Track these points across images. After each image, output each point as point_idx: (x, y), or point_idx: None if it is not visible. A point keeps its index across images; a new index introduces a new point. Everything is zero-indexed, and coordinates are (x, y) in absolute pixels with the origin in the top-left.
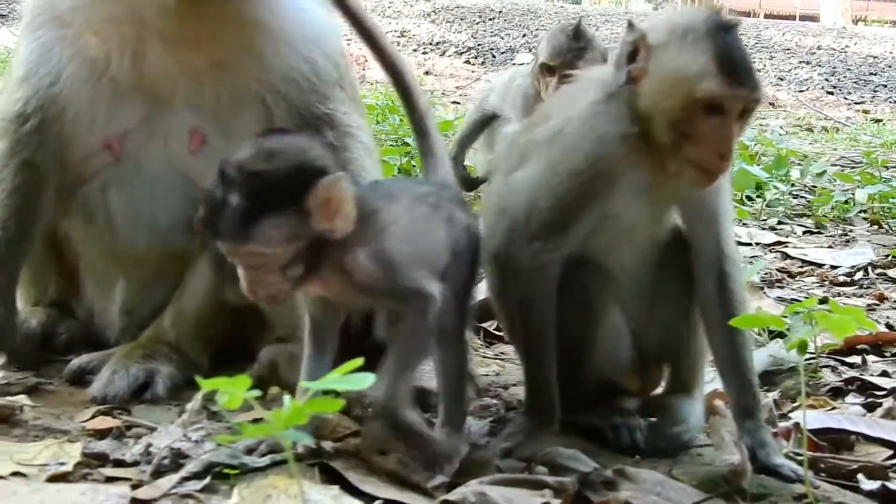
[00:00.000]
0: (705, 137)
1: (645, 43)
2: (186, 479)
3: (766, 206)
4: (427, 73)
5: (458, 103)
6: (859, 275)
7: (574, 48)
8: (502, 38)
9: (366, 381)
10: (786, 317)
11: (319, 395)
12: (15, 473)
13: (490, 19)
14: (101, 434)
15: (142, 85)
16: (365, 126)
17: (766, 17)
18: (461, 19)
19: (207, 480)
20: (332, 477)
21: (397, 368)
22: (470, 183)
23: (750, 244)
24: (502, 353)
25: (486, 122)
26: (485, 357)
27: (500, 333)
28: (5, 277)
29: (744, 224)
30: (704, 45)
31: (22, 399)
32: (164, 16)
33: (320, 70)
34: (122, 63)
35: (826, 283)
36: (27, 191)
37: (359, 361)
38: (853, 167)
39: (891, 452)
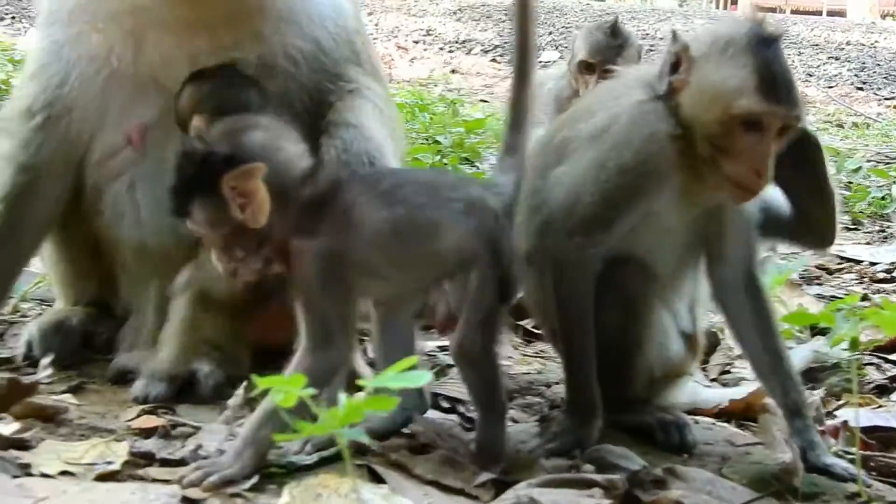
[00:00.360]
0: (742, 154)
1: (687, 55)
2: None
3: None
4: (453, 71)
5: (486, 101)
6: None
7: (613, 45)
8: None
9: (422, 378)
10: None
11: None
12: (63, 472)
13: None
14: (146, 433)
15: (150, 77)
16: (382, 93)
17: (793, 12)
18: (487, 17)
19: (255, 480)
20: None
21: (267, 406)
22: None
23: None
24: (542, 350)
25: None
26: (525, 355)
27: (539, 331)
28: None
29: None
30: (744, 59)
31: (67, 398)
32: (164, 4)
33: (326, 48)
34: (127, 57)
35: (865, 279)
36: (21, 197)
37: (414, 360)
38: (888, 163)
39: None
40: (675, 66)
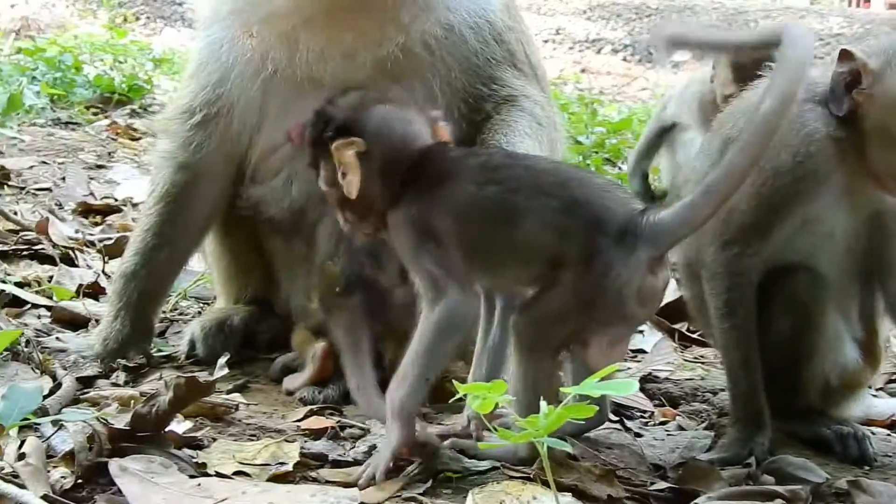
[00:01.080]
0: None
1: (867, 69)
2: (410, 482)
3: None
4: (583, 70)
5: (620, 101)
6: None
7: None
8: None
9: (630, 387)
10: None
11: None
12: (238, 472)
13: (647, 16)
14: (316, 434)
15: (306, 76)
16: (541, 99)
17: None
18: (617, 16)
19: (429, 484)
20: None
21: (404, 368)
22: (651, 196)
23: None
24: (701, 356)
25: (664, 132)
26: (685, 361)
27: (695, 336)
28: (139, 289)
29: None
30: None
31: (236, 397)
32: (318, 5)
33: (473, 47)
34: (282, 60)
35: None
36: (179, 198)
37: (614, 367)
38: None
39: None
40: (850, 85)
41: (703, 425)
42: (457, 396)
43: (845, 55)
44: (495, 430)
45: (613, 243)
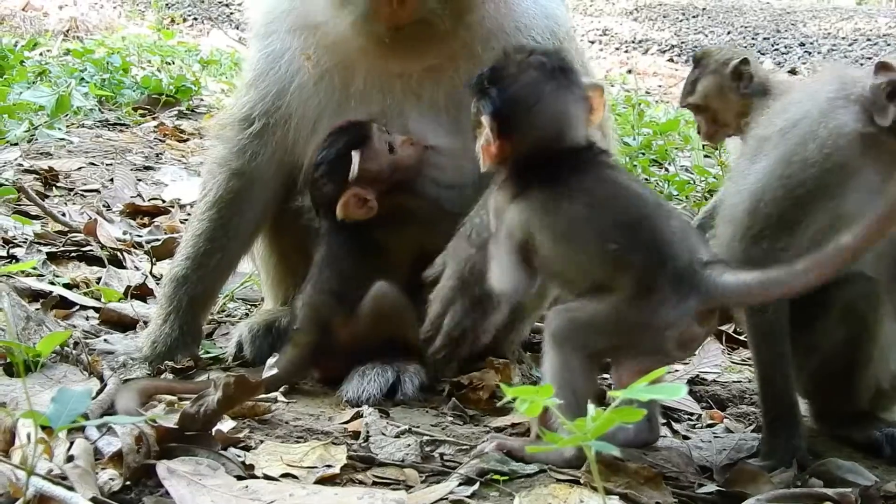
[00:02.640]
0: None
1: None
2: (458, 484)
3: None
4: (629, 71)
5: (668, 102)
6: None
7: (689, 81)
8: (706, 36)
9: (677, 391)
10: None
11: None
12: (285, 475)
13: (693, 17)
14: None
15: (362, 94)
16: None
17: None
18: (664, 17)
19: (476, 487)
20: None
21: None
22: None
23: None
24: (748, 358)
25: None
26: (732, 363)
27: (742, 338)
28: (190, 294)
29: None
30: None
31: (280, 398)
32: (380, 44)
33: None
34: (343, 77)
35: None
36: (232, 203)
37: (663, 370)
38: None
39: None
40: (891, 94)
41: (751, 428)
42: (504, 400)
43: (882, 67)
44: (544, 432)
45: (669, 285)
